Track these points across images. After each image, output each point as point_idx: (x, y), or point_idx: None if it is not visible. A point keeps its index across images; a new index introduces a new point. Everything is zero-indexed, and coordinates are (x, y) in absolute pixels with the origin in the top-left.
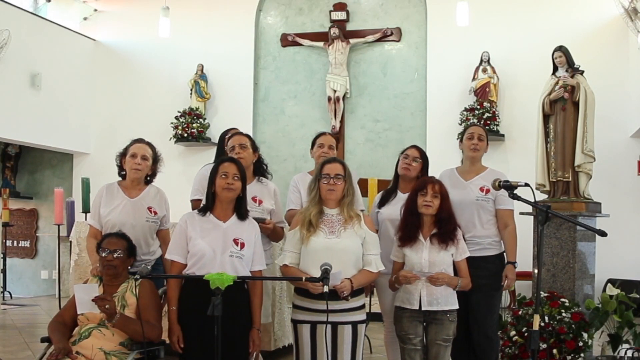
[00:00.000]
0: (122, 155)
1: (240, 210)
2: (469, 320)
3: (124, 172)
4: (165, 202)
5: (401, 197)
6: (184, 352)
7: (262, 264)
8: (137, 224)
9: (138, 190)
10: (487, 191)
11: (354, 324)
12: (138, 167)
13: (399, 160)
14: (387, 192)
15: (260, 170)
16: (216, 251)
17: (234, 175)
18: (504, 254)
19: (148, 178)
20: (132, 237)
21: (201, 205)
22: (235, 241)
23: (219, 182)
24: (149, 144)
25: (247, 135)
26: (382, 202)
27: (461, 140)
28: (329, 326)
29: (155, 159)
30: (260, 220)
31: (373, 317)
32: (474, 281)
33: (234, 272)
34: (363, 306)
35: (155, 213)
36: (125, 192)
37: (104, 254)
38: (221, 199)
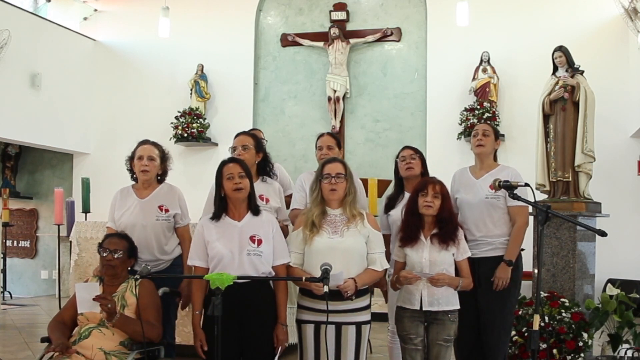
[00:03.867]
0: (131, 159)
1: (253, 205)
2: (481, 322)
3: (136, 176)
4: (180, 198)
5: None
6: (207, 356)
7: (286, 256)
8: (148, 223)
9: (149, 191)
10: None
11: (358, 325)
12: (145, 168)
13: (396, 165)
14: (392, 197)
15: (265, 170)
16: (233, 252)
17: (239, 174)
18: (521, 252)
19: (159, 177)
20: (144, 238)
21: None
22: (252, 239)
23: (227, 185)
24: (155, 144)
25: (253, 136)
26: (390, 206)
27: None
28: (332, 326)
29: (164, 157)
30: None
31: (373, 317)
32: (487, 282)
33: (253, 270)
34: (368, 307)
35: (167, 210)
36: (136, 194)
37: (104, 254)
38: (233, 200)
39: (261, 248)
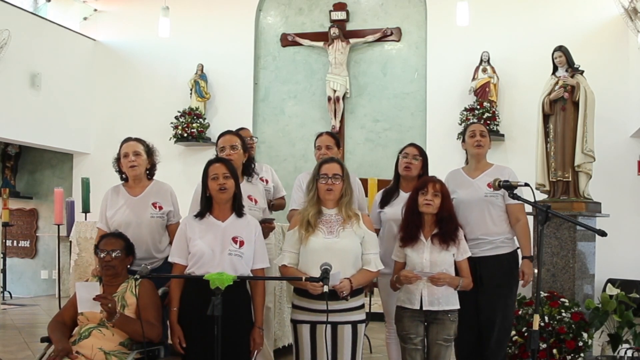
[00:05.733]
0: (118, 159)
1: (237, 206)
2: (482, 321)
3: (125, 175)
4: (172, 195)
5: (404, 197)
6: (186, 352)
7: (265, 261)
8: (142, 221)
9: (141, 188)
10: None
11: (354, 324)
12: (133, 163)
13: (398, 160)
14: (388, 192)
15: (248, 170)
16: (215, 250)
17: (224, 175)
18: (518, 250)
19: (148, 172)
20: (139, 236)
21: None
22: (234, 239)
23: (211, 185)
24: (138, 140)
25: (239, 135)
26: (384, 202)
27: (463, 140)
28: (328, 326)
29: (149, 151)
30: (267, 221)
31: (373, 317)
32: (489, 282)
33: (233, 271)
34: (362, 306)
35: (160, 208)
36: (129, 192)
37: (102, 255)
38: (217, 200)
39: (242, 249)
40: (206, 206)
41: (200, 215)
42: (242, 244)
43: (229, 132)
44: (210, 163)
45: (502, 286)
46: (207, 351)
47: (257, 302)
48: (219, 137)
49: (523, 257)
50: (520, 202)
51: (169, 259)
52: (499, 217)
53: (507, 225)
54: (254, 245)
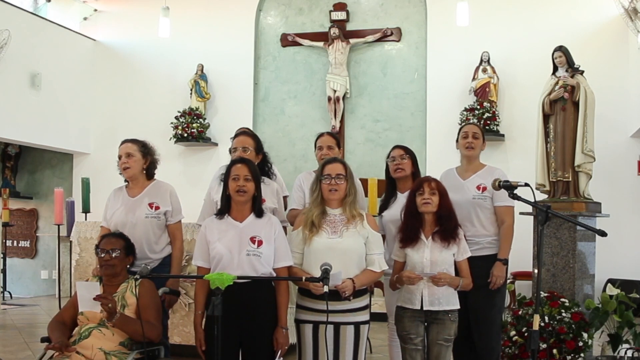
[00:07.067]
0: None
1: (257, 208)
2: (470, 321)
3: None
4: (171, 195)
5: (401, 197)
6: (207, 356)
7: (288, 259)
8: (137, 221)
9: (140, 188)
10: (484, 189)
11: (357, 325)
12: (125, 165)
13: (387, 166)
14: (385, 198)
15: (263, 170)
16: (233, 252)
17: (245, 177)
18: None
19: (146, 172)
20: (135, 236)
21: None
22: (252, 239)
23: (231, 185)
24: (132, 140)
25: (253, 136)
26: (384, 208)
27: (457, 140)
28: (331, 326)
29: (145, 151)
30: None
31: (372, 317)
32: (474, 281)
33: (252, 271)
34: (367, 307)
35: (157, 208)
36: (128, 193)
37: (102, 255)
38: (235, 201)
39: (261, 249)
40: (226, 205)
41: (220, 213)
42: (260, 243)
43: (243, 133)
44: (233, 163)
45: (488, 286)
46: (230, 353)
47: (280, 301)
48: (234, 136)
49: (497, 259)
50: (507, 204)
51: (193, 262)
52: (487, 219)
53: (495, 227)
54: (274, 243)
